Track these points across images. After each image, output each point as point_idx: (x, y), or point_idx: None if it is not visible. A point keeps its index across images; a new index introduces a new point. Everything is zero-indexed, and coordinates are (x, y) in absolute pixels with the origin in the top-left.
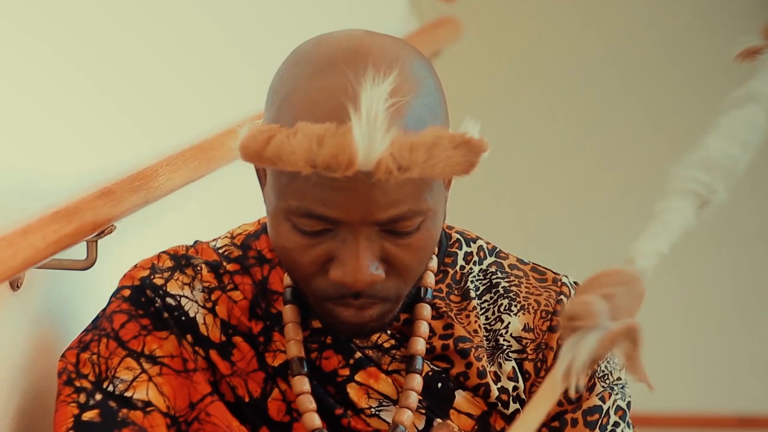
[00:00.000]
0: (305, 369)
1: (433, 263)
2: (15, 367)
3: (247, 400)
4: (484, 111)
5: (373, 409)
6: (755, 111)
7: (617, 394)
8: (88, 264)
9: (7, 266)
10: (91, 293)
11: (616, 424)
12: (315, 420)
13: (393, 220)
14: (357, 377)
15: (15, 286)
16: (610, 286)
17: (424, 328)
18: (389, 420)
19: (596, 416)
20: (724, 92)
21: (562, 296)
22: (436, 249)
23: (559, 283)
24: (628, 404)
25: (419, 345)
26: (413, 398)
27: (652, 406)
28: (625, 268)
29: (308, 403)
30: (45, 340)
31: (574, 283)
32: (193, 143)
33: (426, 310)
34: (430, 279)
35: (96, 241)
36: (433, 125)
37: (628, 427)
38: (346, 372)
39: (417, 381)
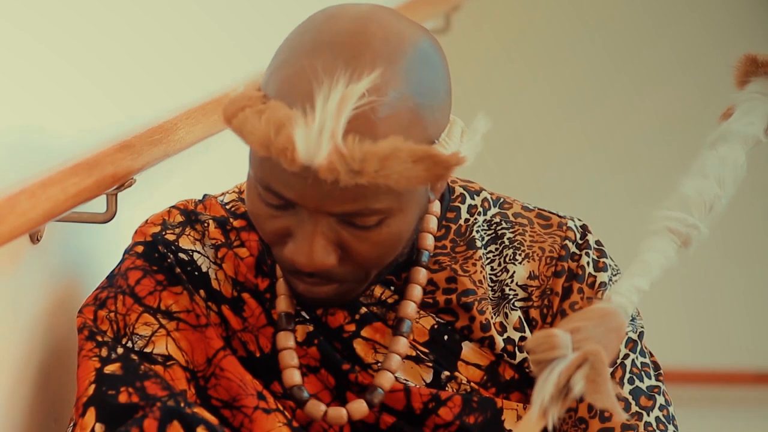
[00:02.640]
0: (292, 325)
1: (433, 224)
2: (35, 320)
3: (258, 355)
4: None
5: (380, 364)
6: (726, 149)
7: (627, 327)
8: (108, 217)
9: (27, 218)
10: (110, 246)
11: (625, 356)
12: (295, 376)
13: (347, 214)
14: (363, 332)
15: (35, 238)
16: (578, 321)
17: (416, 291)
18: (396, 375)
19: None
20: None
21: (567, 241)
22: (439, 204)
23: (564, 228)
24: (640, 335)
25: (409, 308)
26: (395, 361)
27: (668, 362)
28: (598, 305)
29: (289, 359)
30: (65, 293)
31: (582, 226)
32: (212, 97)
33: (420, 273)
34: (429, 241)
35: (116, 194)
36: (410, 130)
37: (641, 355)
38: (352, 327)
39: (402, 343)
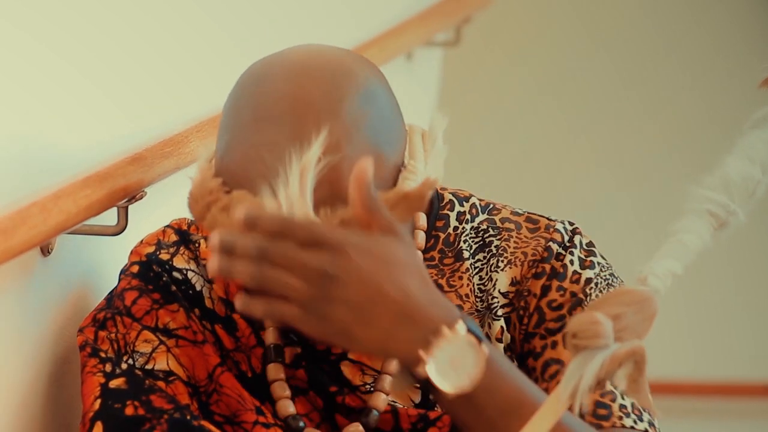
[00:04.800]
0: (281, 357)
1: (421, 239)
2: (46, 332)
3: (249, 375)
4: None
5: (368, 386)
6: None
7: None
8: (119, 229)
9: (38, 231)
10: (121, 259)
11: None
12: (289, 407)
13: None
14: (350, 354)
15: (46, 251)
16: (620, 306)
17: None
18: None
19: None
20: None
21: (551, 243)
22: (425, 217)
23: (551, 230)
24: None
25: None
26: (388, 382)
27: (681, 374)
28: (637, 288)
29: (281, 390)
30: (75, 306)
31: (572, 229)
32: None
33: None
34: (420, 238)
35: (127, 207)
36: (377, 173)
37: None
38: (339, 350)
39: (393, 364)
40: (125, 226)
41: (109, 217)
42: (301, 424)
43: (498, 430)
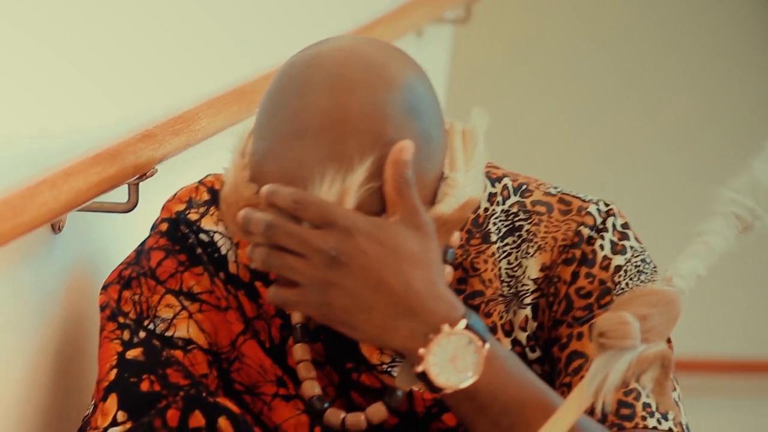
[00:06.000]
0: (308, 337)
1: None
2: (56, 309)
3: (267, 345)
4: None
5: (385, 365)
6: None
7: None
8: (129, 207)
9: (48, 208)
10: (132, 236)
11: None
12: (315, 388)
13: None
14: None
15: (57, 228)
16: (647, 307)
17: None
18: None
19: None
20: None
21: (581, 227)
22: None
23: (583, 213)
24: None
25: None
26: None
27: (699, 351)
28: (663, 288)
29: (306, 371)
30: (86, 282)
31: (606, 210)
32: (233, 87)
33: (446, 271)
34: (455, 237)
35: (137, 184)
36: (419, 192)
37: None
38: None
39: None
40: (136, 203)
41: (120, 195)
42: (326, 404)
43: (501, 429)
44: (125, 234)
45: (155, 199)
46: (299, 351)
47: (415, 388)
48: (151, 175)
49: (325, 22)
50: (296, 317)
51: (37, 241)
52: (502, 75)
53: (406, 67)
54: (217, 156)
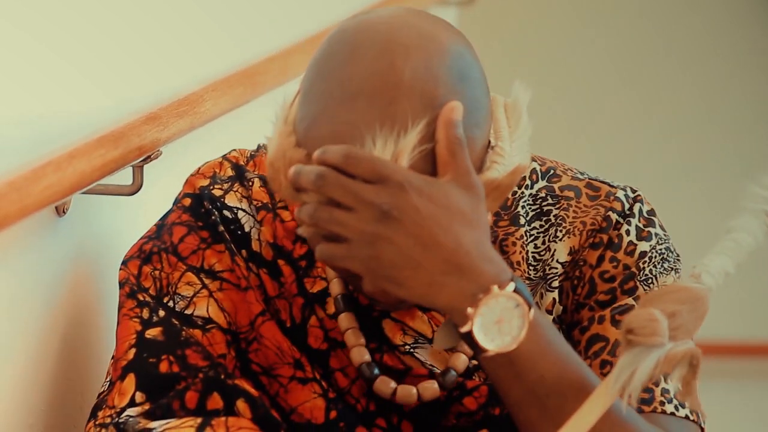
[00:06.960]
0: (351, 306)
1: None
2: (60, 292)
3: (288, 325)
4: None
5: (408, 347)
6: None
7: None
8: (134, 189)
9: (53, 191)
10: (136, 218)
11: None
12: (364, 355)
13: None
14: (393, 313)
15: (61, 211)
16: (675, 304)
17: None
18: (423, 359)
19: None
20: None
21: (610, 212)
22: None
23: (612, 198)
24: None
25: None
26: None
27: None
28: (692, 285)
29: (354, 338)
30: (90, 265)
31: (634, 197)
32: (237, 69)
33: None
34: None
35: (142, 166)
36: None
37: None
38: (380, 307)
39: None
40: (141, 186)
41: (125, 177)
42: (376, 371)
43: (536, 398)
44: (130, 216)
45: (160, 181)
46: (344, 320)
47: (450, 350)
48: (156, 158)
49: (332, 3)
50: (335, 289)
51: (42, 224)
52: (507, 56)
53: (455, 35)
54: (221, 138)
